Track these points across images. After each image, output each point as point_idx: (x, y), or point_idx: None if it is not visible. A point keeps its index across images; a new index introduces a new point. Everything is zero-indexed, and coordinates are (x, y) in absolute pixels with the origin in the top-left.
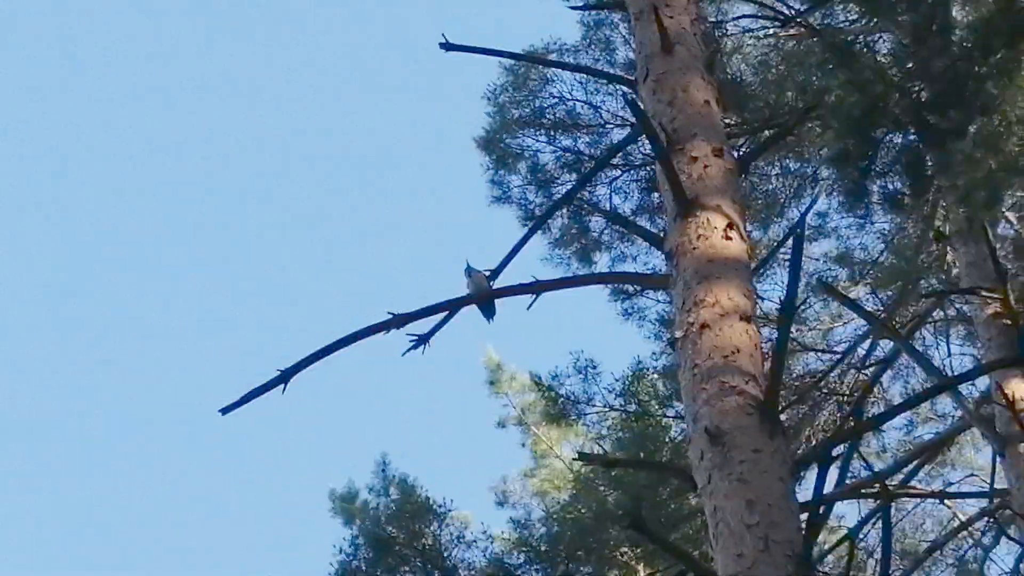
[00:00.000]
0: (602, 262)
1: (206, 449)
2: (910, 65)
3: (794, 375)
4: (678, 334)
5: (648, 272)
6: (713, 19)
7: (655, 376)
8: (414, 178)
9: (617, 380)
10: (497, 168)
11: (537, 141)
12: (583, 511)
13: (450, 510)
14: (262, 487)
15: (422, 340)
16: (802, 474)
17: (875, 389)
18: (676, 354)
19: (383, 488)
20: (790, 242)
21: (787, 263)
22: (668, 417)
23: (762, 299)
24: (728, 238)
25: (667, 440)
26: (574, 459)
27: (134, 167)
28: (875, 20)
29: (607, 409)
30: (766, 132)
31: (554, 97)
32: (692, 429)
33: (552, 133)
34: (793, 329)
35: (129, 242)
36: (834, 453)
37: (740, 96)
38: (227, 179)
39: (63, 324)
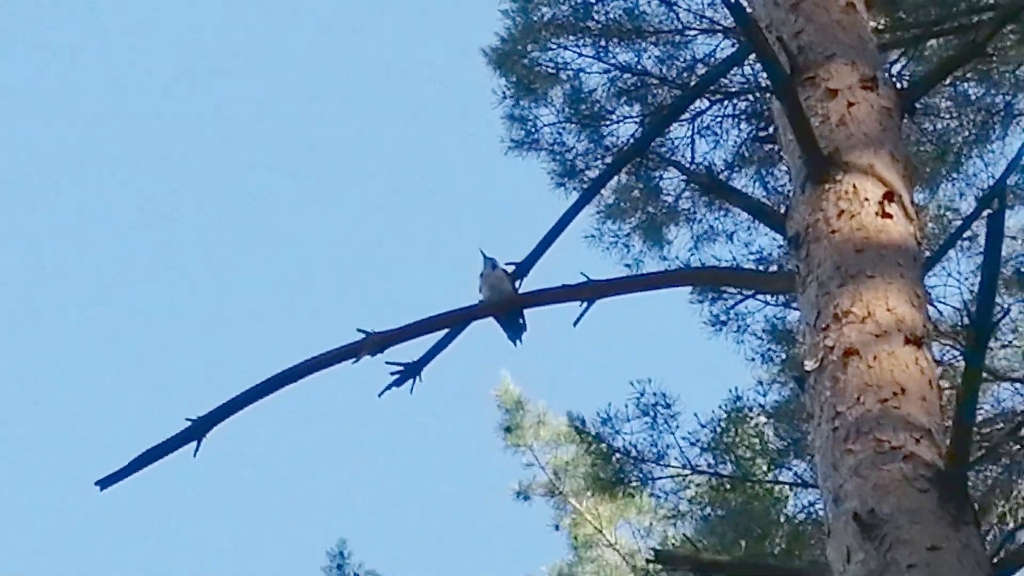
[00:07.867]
0: (680, 242)
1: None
2: None
3: (981, 419)
4: (810, 365)
5: (755, 268)
6: None
7: (762, 420)
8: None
9: (704, 426)
10: (518, 96)
11: (581, 55)
12: None
13: None
14: None
15: (410, 371)
16: None
17: None
18: (805, 396)
19: None
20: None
21: (975, 250)
22: (783, 484)
23: (932, 304)
24: (886, 215)
25: (781, 519)
26: (647, 559)
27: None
28: None
29: (688, 472)
30: (932, 42)
31: None
32: (833, 514)
33: (603, 43)
34: None
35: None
36: None
37: None
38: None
39: None
